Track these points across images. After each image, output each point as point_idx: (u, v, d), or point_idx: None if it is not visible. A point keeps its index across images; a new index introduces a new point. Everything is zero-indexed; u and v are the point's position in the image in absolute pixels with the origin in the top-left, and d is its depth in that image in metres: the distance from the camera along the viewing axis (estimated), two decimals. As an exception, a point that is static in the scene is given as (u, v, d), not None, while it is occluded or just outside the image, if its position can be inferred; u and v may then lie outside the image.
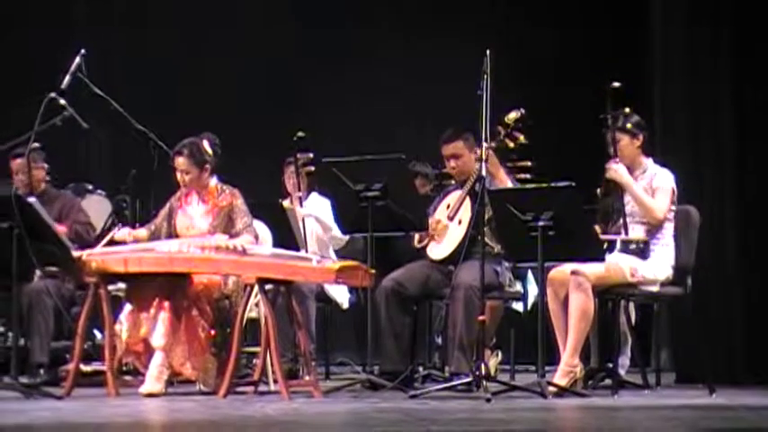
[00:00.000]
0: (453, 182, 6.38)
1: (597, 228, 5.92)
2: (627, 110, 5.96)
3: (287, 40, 8.19)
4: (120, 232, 5.99)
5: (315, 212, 6.71)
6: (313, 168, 6.65)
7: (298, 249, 6.32)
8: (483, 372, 5.54)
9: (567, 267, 5.75)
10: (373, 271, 5.74)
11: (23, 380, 5.93)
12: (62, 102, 6.07)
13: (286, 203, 6.75)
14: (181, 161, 6.01)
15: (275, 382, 5.83)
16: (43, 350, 6.29)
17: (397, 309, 6.06)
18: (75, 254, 5.86)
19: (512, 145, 6.00)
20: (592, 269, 5.73)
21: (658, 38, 6.92)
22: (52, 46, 7.45)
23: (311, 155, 6.63)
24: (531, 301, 6.66)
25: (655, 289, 5.90)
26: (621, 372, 6.07)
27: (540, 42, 7.98)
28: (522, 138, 5.99)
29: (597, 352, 6.12)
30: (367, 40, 8.16)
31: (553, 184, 5.71)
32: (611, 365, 5.92)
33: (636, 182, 5.94)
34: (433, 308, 6.65)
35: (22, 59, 7.87)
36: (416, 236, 6.25)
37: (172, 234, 6.04)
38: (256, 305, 5.94)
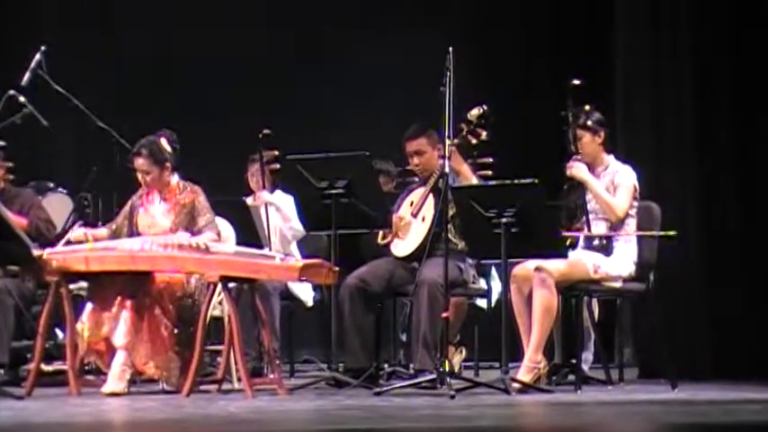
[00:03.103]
0: (416, 179, 6.39)
1: (560, 224, 5.94)
2: (587, 107, 5.99)
3: (253, 40, 8.16)
4: (76, 232, 5.92)
5: (275, 201, 6.69)
6: (278, 165, 6.63)
7: (261, 247, 6.30)
8: (447, 369, 5.55)
9: (531, 264, 5.77)
10: (337, 268, 5.73)
11: (-16, 380, 5.88)
12: (22, 99, 6.02)
13: (249, 201, 6.72)
14: (141, 162, 5.96)
15: (239, 380, 5.81)
16: (3, 350, 6.22)
17: (361, 306, 6.05)
18: (36, 252, 5.81)
19: (474, 141, 6.01)
20: (555, 265, 5.75)
21: (621, 38, 6.96)
22: (19, 44, 7.38)
23: (276, 152, 6.61)
24: (494, 297, 6.67)
25: (617, 285, 5.94)
26: (585, 367, 6.10)
27: (503, 39, 8.00)
28: (484, 134, 6.01)
29: (561, 348, 6.15)
30: (331, 39, 8.14)
31: (516, 181, 5.73)
32: (574, 361, 5.95)
33: (598, 179, 5.97)
34: (397, 305, 6.66)
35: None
36: (380, 233, 6.25)
37: (134, 233, 6.00)
38: (219, 303, 5.91)
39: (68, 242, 5.89)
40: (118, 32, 8.11)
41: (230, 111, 7.98)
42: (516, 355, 5.85)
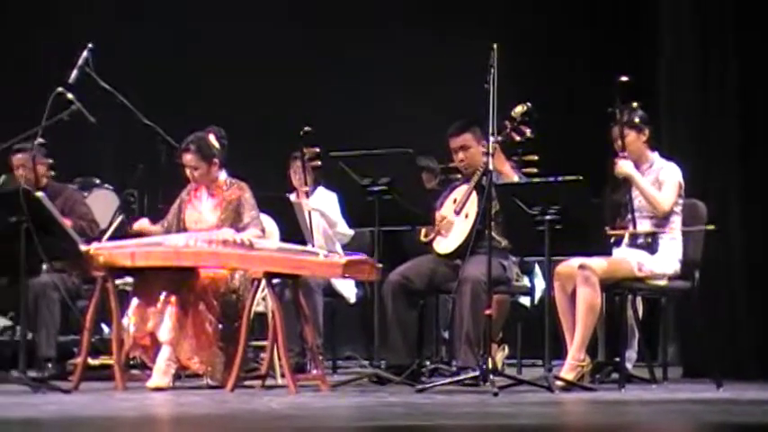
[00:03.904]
0: (460, 176, 6.38)
1: (605, 222, 5.91)
2: (635, 104, 5.96)
3: (296, 37, 8.20)
4: (140, 222, 5.98)
5: (321, 207, 6.72)
6: (320, 163, 6.65)
7: (304, 244, 6.32)
8: (490, 366, 5.54)
9: (575, 261, 5.75)
10: (380, 265, 5.74)
11: (31, 374, 5.95)
12: (69, 96, 6.08)
13: (293, 197, 6.75)
14: (189, 158, 6.01)
15: (282, 376, 5.84)
16: (50, 344, 6.30)
17: (403, 303, 6.06)
18: (83, 248, 5.87)
19: (518, 139, 6.00)
20: (599, 263, 5.73)
21: (665, 37, 6.91)
22: (61, 41, 7.46)
23: (317, 149, 6.63)
24: (537, 295, 6.65)
25: (662, 283, 5.90)
26: (629, 366, 6.07)
27: (547, 35, 7.97)
28: (528, 132, 5.99)
29: (604, 346, 6.12)
30: (375, 36, 8.15)
31: (560, 178, 5.70)
32: (618, 359, 5.92)
33: (643, 176, 5.94)
34: (439, 302, 6.65)
35: (33, 55, 7.87)
36: (423, 230, 6.25)
37: (181, 228, 6.04)
38: (263, 299, 5.95)
39: (127, 235, 5.95)
40: (164, 30, 8.17)
41: (273, 107, 8.01)
42: (559, 352, 5.82)
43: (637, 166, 5.96)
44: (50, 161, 6.69)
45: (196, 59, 8.12)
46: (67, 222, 6.21)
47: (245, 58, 8.13)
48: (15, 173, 6.62)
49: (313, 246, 6.37)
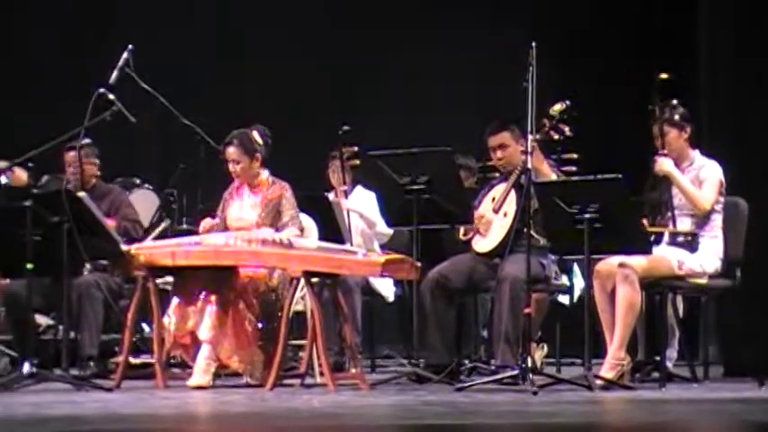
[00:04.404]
0: (497, 174, 6.37)
1: (644, 220, 5.89)
2: (674, 101, 5.92)
3: (334, 38, 8.22)
4: (206, 221, 6.02)
5: (359, 208, 6.73)
6: (358, 162, 6.66)
7: (343, 242, 6.34)
8: (529, 365, 5.53)
9: (614, 260, 5.72)
10: (419, 264, 5.74)
11: (74, 372, 6.00)
12: (111, 97, 6.13)
13: (331, 196, 6.77)
14: (231, 151, 6.04)
15: (321, 374, 5.85)
16: (93, 343, 6.36)
17: (442, 302, 6.06)
18: (124, 247, 5.92)
19: (557, 137, 5.98)
20: (639, 261, 5.70)
21: (705, 34, 6.87)
22: (100, 42, 7.53)
23: (356, 148, 6.65)
24: (576, 293, 6.63)
25: (703, 281, 5.86)
26: (669, 365, 6.03)
27: (586, 33, 7.93)
28: (567, 130, 5.97)
29: (644, 345, 6.09)
30: (411, 35, 8.16)
31: (600, 177, 5.68)
32: (658, 358, 5.88)
33: (683, 174, 5.90)
34: (478, 301, 6.65)
35: (75, 55, 7.94)
36: (461, 229, 6.25)
37: (224, 227, 6.08)
38: (302, 298, 5.97)
39: (197, 233, 6.00)
40: (202, 31, 8.22)
41: (312, 107, 8.04)
42: (599, 351, 5.80)
43: (677, 164, 5.93)
44: (99, 162, 6.76)
45: (238, 63, 8.16)
46: (111, 223, 6.27)
47: (284, 58, 8.17)
48: (66, 169, 6.69)
49: (351, 245, 6.38)
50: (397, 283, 6.74)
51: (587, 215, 5.56)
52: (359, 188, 6.89)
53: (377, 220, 6.61)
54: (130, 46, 6.42)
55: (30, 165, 6.25)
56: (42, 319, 6.76)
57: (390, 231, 6.69)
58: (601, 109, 7.45)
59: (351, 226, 6.62)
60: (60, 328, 6.36)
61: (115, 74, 6.33)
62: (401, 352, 7.16)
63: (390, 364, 7.23)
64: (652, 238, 5.85)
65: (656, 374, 5.89)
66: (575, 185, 5.84)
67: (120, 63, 6.38)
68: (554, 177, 6.02)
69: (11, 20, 8.14)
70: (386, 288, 6.79)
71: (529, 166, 5.68)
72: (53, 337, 6.61)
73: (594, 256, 5.71)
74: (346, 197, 6.76)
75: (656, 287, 5.82)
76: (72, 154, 6.63)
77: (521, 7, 8.00)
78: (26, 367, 5.60)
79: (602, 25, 7.96)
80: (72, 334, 6.21)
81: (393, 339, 7.46)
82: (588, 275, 5.74)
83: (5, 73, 7.95)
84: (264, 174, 6.09)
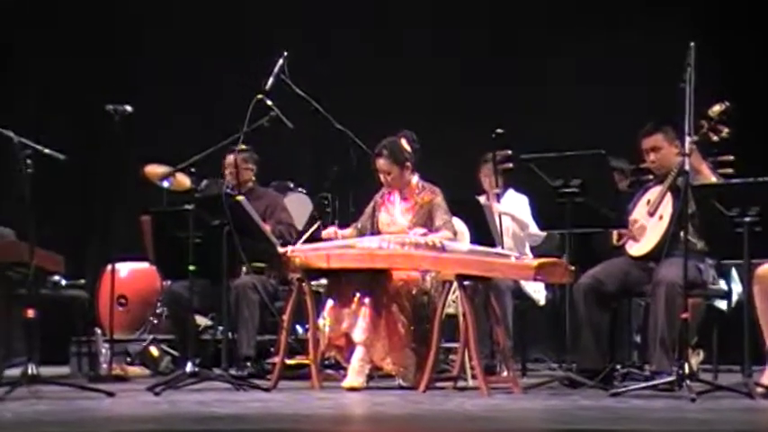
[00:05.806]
0: (651, 177, 6.27)
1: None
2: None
3: (482, 40, 8.22)
4: (327, 230, 6.14)
5: (511, 210, 6.71)
6: (511, 165, 6.65)
7: (494, 246, 6.33)
8: (686, 371, 5.43)
9: (775, 264, 5.58)
10: (573, 267, 5.70)
11: (232, 372, 6.15)
12: (269, 102, 6.26)
13: (482, 200, 6.77)
14: (382, 162, 6.11)
15: (473, 377, 5.86)
16: (250, 343, 6.50)
17: (595, 306, 5.99)
18: (281, 250, 6.04)
19: (715, 138, 5.85)
20: (802, 266, 5.54)
21: None
22: (258, 48, 7.68)
23: (509, 151, 6.63)
24: (735, 299, 6.47)
25: None
26: (834, 373, 5.83)
27: (745, 33, 7.74)
28: (725, 131, 5.84)
29: (807, 352, 5.90)
30: (562, 37, 8.10)
31: (760, 179, 5.54)
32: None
33: None
34: (632, 305, 6.55)
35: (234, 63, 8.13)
36: (615, 234, 6.17)
37: (374, 231, 6.15)
38: (453, 301, 5.98)
39: (312, 239, 6.10)
40: (362, 35, 8.31)
41: (463, 110, 8.05)
42: (758, 358, 5.65)
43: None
44: (254, 167, 6.91)
45: (387, 66, 8.23)
46: (267, 226, 6.40)
47: (436, 62, 8.20)
48: (225, 171, 6.86)
49: (503, 248, 6.37)
50: (548, 286, 6.70)
51: (747, 219, 5.43)
52: (510, 191, 6.87)
53: (529, 221, 6.59)
54: (285, 53, 6.54)
55: (192, 170, 6.44)
56: (201, 320, 6.95)
57: (543, 233, 6.65)
58: (760, 110, 7.25)
59: (502, 229, 6.61)
60: (219, 328, 6.53)
61: (271, 80, 6.46)
62: (550, 355, 7.11)
63: (540, 367, 7.19)
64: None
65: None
66: (734, 188, 5.70)
67: (276, 69, 6.51)
68: (713, 179, 5.90)
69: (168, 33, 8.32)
70: (537, 291, 6.76)
71: (686, 167, 5.57)
72: (212, 338, 6.79)
73: (754, 261, 5.57)
74: (498, 201, 6.75)
75: (818, 292, 5.64)
76: (231, 157, 6.79)
77: (678, 6, 7.84)
78: (189, 366, 5.76)
79: (762, 23, 7.74)
80: (230, 334, 6.36)
81: (543, 343, 7.41)
82: (748, 280, 5.60)
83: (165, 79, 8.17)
84: (414, 179, 6.14)
